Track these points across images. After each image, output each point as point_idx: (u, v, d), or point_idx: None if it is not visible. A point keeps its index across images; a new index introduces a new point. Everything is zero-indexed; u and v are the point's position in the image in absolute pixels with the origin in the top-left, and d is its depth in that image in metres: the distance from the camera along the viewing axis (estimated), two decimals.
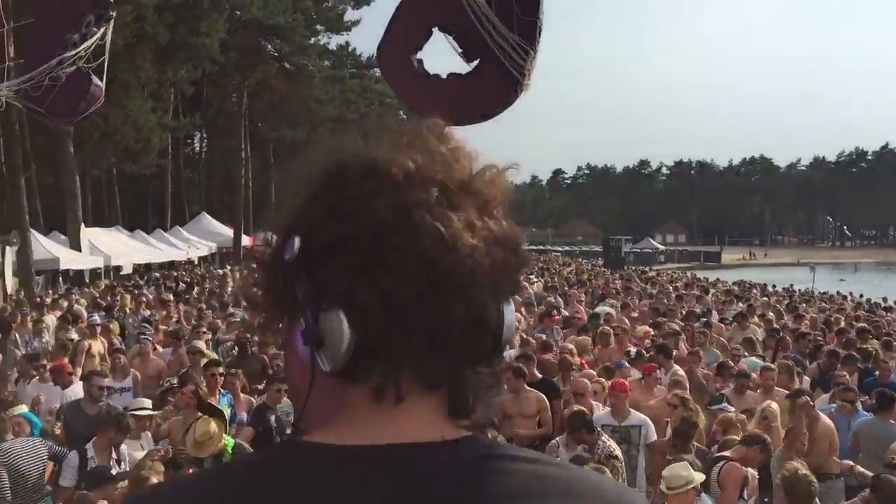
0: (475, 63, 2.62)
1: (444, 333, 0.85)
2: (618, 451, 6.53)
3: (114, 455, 6.30)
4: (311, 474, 0.85)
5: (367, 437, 0.87)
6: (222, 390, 7.82)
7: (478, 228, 0.87)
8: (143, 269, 32.81)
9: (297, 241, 0.89)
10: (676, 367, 9.41)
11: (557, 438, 7.15)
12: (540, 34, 2.56)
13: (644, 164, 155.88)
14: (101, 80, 4.01)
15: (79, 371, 8.91)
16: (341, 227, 0.86)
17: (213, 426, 6.03)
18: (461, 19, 2.60)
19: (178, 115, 47.07)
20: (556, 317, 13.24)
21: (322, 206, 0.88)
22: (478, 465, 0.86)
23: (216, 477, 0.94)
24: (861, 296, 28.25)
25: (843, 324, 15.37)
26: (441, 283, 0.84)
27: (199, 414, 6.79)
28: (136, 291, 18.93)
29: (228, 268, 31.11)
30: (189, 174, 58.20)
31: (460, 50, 2.64)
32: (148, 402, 7.04)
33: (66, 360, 9.11)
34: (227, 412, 7.28)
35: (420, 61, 2.75)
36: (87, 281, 27.04)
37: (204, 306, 15.39)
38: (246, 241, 41.59)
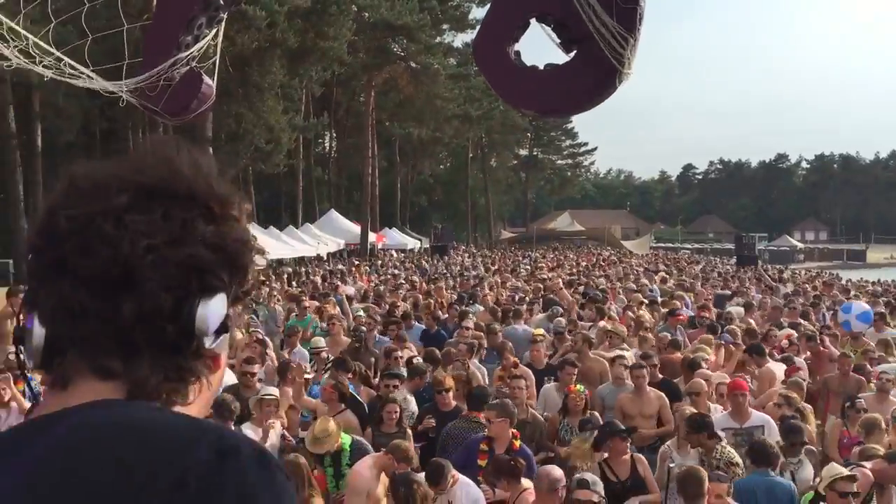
0: (573, 53, 2.57)
1: (112, 327, 0.93)
2: (738, 459, 6.28)
3: None
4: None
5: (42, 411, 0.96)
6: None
7: (156, 228, 0.94)
8: (275, 265, 34.21)
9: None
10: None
11: (668, 442, 6.96)
12: (641, 21, 2.48)
13: (781, 157, 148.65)
14: (213, 80, 4.22)
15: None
16: (35, 239, 0.98)
17: (332, 425, 6.24)
18: (559, 8, 2.56)
19: (308, 116, 48.79)
20: (681, 316, 12.84)
21: (35, 223, 1.00)
22: (54, 424, 0.91)
23: None
24: None
25: None
26: (111, 283, 0.92)
27: (342, 406, 7.07)
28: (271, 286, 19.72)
29: (357, 263, 31.98)
30: (319, 173, 60.21)
31: (558, 40, 2.60)
32: (275, 390, 7.30)
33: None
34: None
35: (518, 53, 2.73)
36: None
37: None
38: (372, 237, 42.64)
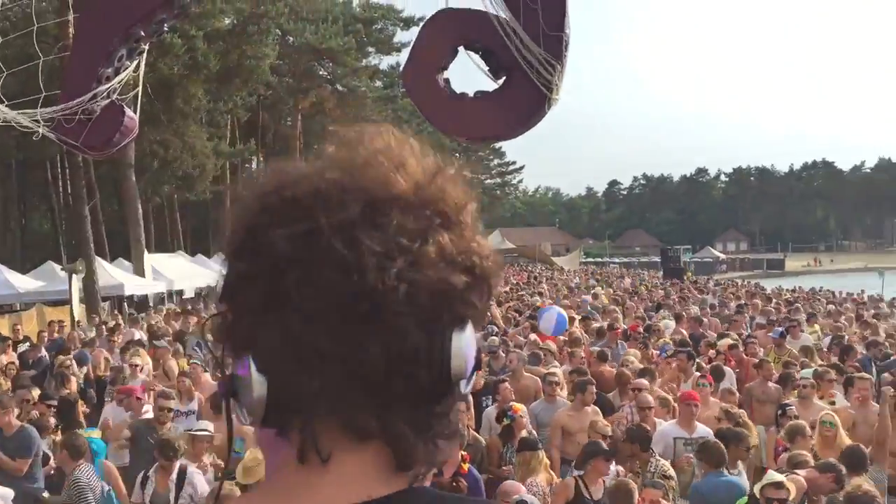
0: (502, 80, 2.60)
1: (361, 375, 0.75)
2: (672, 472, 6.39)
3: (172, 477, 6.38)
4: None
5: (290, 500, 0.79)
6: None
7: (398, 248, 0.76)
8: (204, 293, 33.49)
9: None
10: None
11: None
12: (566, 48, 2.52)
13: (701, 171, 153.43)
14: (135, 112, 4.10)
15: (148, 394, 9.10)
16: (241, 265, 0.79)
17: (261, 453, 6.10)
18: (487, 36, 2.58)
19: (234, 142, 48.14)
20: (619, 329, 13.07)
21: (233, 242, 0.82)
22: None
23: None
24: None
25: None
26: (350, 318, 0.74)
27: None
28: (199, 315, 19.29)
29: None
30: None
31: (487, 68, 2.62)
32: (210, 425, 7.11)
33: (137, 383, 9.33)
34: None
35: (447, 80, 2.74)
36: (151, 305, 27.73)
37: None
38: None
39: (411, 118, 64.32)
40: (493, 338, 12.15)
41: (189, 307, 24.32)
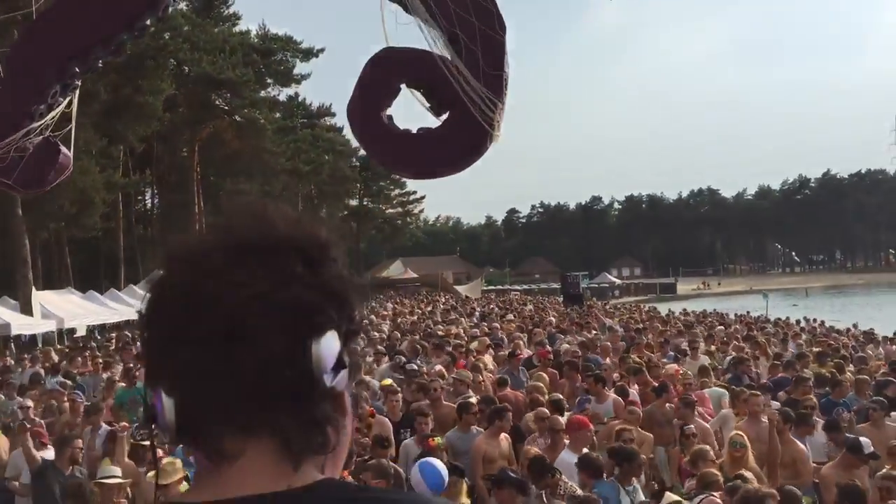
0: (444, 117, 2.68)
1: (241, 383, 0.93)
2: (580, 491, 6.52)
3: None
4: None
5: (213, 493, 0.95)
6: None
7: (257, 278, 0.95)
8: (97, 330, 32.12)
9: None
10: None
11: None
12: (506, 86, 2.64)
13: (596, 200, 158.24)
14: (70, 149, 3.98)
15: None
16: (148, 315, 1.00)
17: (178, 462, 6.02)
18: (430, 73, 2.66)
19: (127, 173, 46.65)
20: (521, 355, 13.26)
21: (147, 297, 1.01)
22: None
23: None
24: (815, 320, 28.83)
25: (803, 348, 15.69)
26: (222, 338, 0.92)
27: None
28: (90, 353, 18.48)
29: None
30: (141, 231, 57.49)
31: (428, 105, 2.70)
32: (118, 470, 6.83)
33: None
34: None
35: (390, 117, 2.80)
36: (40, 345, 26.37)
37: None
38: None
39: (311, 149, 64.09)
40: (412, 365, 12.16)
41: (81, 345, 23.25)
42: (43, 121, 3.70)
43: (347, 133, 79.75)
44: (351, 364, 1.01)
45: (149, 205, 62.78)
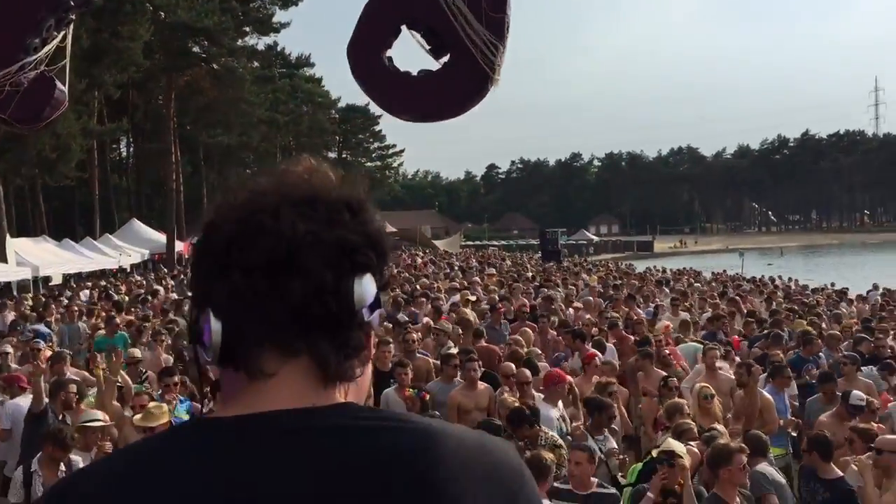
0: (444, 60, 2.63)
1: (288, 308, 1.01)
2: (560, 441, 6.62)
3: (62, 469, 6.09)
4: (197, 440, 1.02)
5: (247, 409, 1.03)
6: (181, 397, 7.67)
7: (309, 218, 1.04)
8: (73, 279, 31.84)
9: None
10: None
11: None
12: (508, 30, 2.59)
13: (576, 156, 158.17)
14: (64, 84, 3.88)
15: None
16: (203, 247, 1.08)
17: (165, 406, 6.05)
18: (431, 15, 2.61)
19: (103, 120, 45.83)
20: (501, 309, 13.33)
21: (199, 238, 1.10)
22: (336, 428, 1.00)
23: (137, 447, 1.11)
24: (790, 279, 29.22)
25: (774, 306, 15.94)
26: (275, 265, 1.01)
27: None
28: (69, 301, 18.36)
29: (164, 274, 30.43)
30: (116, 180, 56.74)
31: (429, 47, 2.65)
32: (100, 414, 6.82)
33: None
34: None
35: (390, 59, 2.75)
36: (15, 293, 26.11)
37: (151, 313, 15.03)
38: (179, 246, 40.77)
39: (290, 100, 63.18)
40: (402, 317, 12.23)
41: (57, 293, 23.09)
42: (38, 55, 3.61)
43: (327, 84, 78.92)
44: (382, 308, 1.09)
45: (124, 153, 61.93)
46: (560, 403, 7.68)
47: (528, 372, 8.25)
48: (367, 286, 1.05)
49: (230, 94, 48.07)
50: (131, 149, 60.21)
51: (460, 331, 11.20)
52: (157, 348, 10.64)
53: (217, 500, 0.96)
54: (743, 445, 5.55)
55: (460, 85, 2.65)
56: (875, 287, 24.53)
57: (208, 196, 61.28)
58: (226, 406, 1.07)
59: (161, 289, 22.30)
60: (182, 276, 28.41)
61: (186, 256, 41.82)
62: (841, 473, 6.08)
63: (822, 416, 7.72)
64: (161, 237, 41.73)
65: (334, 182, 1.12)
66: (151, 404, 6.18)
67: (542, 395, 7.76)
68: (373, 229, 1.10)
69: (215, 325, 1.02)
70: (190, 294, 1.11)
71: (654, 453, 5.63)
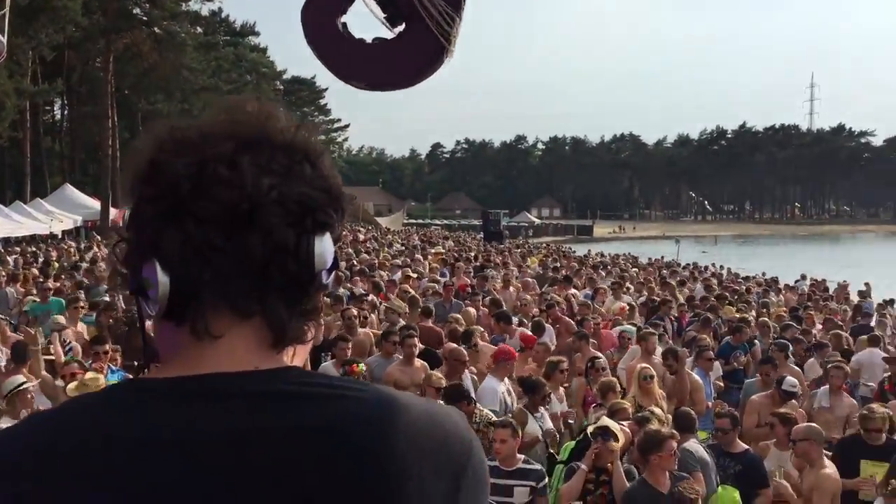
0: (399, 29, 2.61)
1: (244, 265, 0.95)
2: (494, 418, 6.70)
3: None
4: (131, 401, 0.95)
5: (188, 370, 0.96)
6: (112, 366, 7.51)
7: (270, 170, 0.97)
8: (1, 243, 30.78)
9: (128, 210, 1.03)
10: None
11: None
12: (464, 2, 2.58)
13: (521, 139, 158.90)
14: (3, 35, 3.70)
15: None
16: (147, 189, 0.98)
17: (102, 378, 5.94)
18: None
19: (36, 81, 44.22)
20: (451, 287, 13.42)
21: (139, 175, 1.00)
22: (279, 394, 0.95)
23: (66, 408, 1.01)
24: (721, 266, 29.96)
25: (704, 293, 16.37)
26: (234, 220, 0.94)
27: None
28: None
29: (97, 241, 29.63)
30: (50, 143, 54.92)
31: (384, 15, 2.62)
32: (21, 377, 6.63)
33: None
34: None
35: (345, 25, 2.71)
36: None
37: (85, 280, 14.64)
38: (114, 213, 39.74)
39: (233, 68, 61.89)
40: (341, 292, 12.15)
41: None
42: None
43: (272, 54, 77.47)
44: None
45: (58, 116, 59.93)
46: (506, 379, 7.77)
47: (462, 350, 8.33)
48: (327, 246, 0.99)
49: (171, 60, 46.82)
50: (66, 112, 58.27)
51: (406, 309, 11.22)
52: (75, 317, 10.29)
53: (144, 464, 0.90)
54: (674, 432, 5.69)
55: (415, 55, 2.63)
56: (803, 277, 25.38)
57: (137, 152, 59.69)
58: (164, 366, 1.00)
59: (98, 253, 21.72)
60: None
61: (121, 224, 40.76)
62: (746, 447, 6.37)
63: (755, 396, 8.04)
64: (95, 203, 40.58)
65: (291, 128, 1.03)
66: (88, 375, 6.02)
67: (491, 369, 7.89)
68: (333, 184, 1.03)
69: (163, 277, 0.94)
70: (126, 235, 1.01)
71: (590, 430, 5.73)
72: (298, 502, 0.90)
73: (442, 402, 6.79)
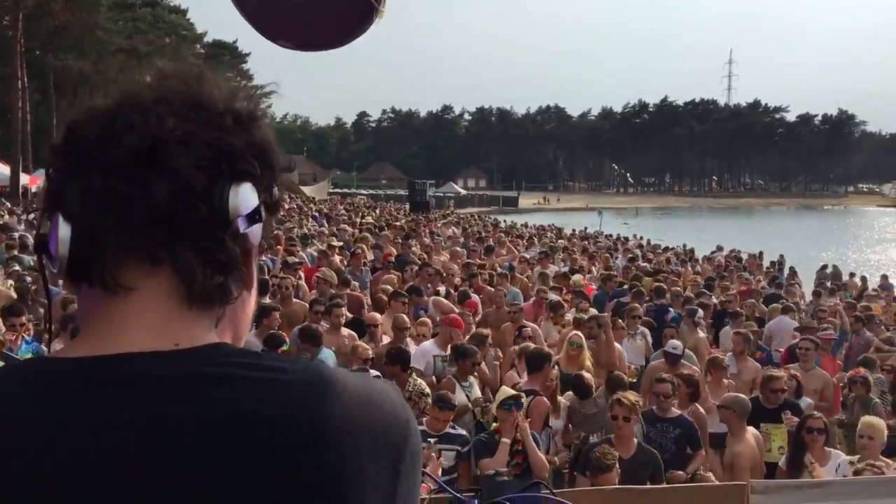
0: None
1: (150, 210, 0.89)
2: (428, 390, 6.75)
3: None
4: (31, 383, 0.89)
5: (100, 340, 0.91)
6: (27, 338, 7.22)
7: (185, 117, 0.92)
8: None
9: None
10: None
11: None
12: None
13: (447, 109, 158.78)
14: None
15: None
16: (60, 145, 0.94)
17: None
18: None
19: None
20: (362, 256, 13.36)
21: (57, 139, 0.96)
22: (200, 377, 0.88)
23: None
24: (642, 237, 30.71)
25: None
26: (140, 164, 0.89)
27: None
28: None
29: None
30: None
31: None
32: None
33: None
34: None
35: None
36: None
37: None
38: (25, 179, 38.10)
39: (151, 29, 59.69)
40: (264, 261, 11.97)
41: None
42: None
43: (192, 17, 74.97)
44: (266, 232, 0.97)
45: None
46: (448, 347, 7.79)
47: (378, 316, 8.38)
48: (245, 194, 0.93)
49: (84, 19, 44.89)
50: None
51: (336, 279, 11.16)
52: None
53: (48, 452, 0.83)
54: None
55: (345, 13, 2.56)
56: (719, 248, 26.24)
57: (58, 126, 57.34)
58: (80, 337, 0.94)
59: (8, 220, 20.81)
60: (33, 212, 26.60)
61: (33, 190, 39.19)
62: (680, 412, 6.57)
63: (654, 361, 8.48)
64: (4, 168, 38.83)
65: (226, 90, 0.98)
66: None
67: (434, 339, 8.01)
68: (260, 138, 0.97)
69: (63, 230, 0.89)
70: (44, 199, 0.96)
71: (500, 399, 5.79)
72: (228, 495, 0.84)
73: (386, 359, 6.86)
